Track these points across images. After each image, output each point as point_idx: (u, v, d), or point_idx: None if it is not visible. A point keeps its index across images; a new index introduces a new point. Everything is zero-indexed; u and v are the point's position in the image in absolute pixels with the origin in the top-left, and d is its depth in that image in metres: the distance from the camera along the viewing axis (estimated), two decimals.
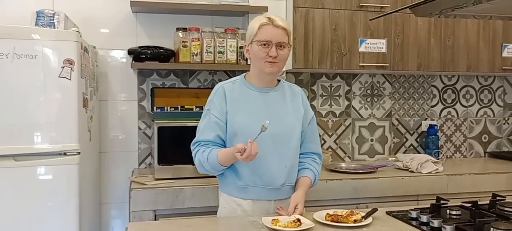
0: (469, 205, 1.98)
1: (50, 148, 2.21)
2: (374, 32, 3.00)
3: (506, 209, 1.96)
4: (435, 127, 3.43)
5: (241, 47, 2.84)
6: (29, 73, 2.16)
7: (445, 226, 1.68)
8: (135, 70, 2.98)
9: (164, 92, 2.98)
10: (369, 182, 2.71)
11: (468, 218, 1.85)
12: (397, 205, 2.53)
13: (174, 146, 2.61)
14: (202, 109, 2.03)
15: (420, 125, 3.50)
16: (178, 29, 2.83)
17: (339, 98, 3.35)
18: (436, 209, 1.95)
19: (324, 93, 3.32)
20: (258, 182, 1.95)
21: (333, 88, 3.33)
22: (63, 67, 2.20)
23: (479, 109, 3.64)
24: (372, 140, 3.43)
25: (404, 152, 3.44)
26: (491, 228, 1.65)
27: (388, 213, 1.95)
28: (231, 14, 3.02)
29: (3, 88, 2.15)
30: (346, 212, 1.82)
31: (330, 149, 3.32)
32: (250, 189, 1.95)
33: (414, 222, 1.81)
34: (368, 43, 2.99)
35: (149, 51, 2.77)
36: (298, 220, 1.73)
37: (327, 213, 1.83)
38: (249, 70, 2.05)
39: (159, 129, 2.59)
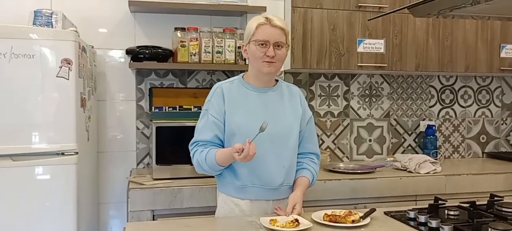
0: (467, 205, 1.98)
1: (48, 147, 2.21)
2: (372, 32, 3.00)
3: (504, 209, 1.96)
4: (433, 127, 3.44)
5: (239, 47, 2.84)
6: (27, 72, 2.16)
7: (443, 226, 1.68)
8: (133, 70, 2.97)
9: (162, 92, 2.98)
10: (367, 182, 2.71)
11: (466, 219, 1.85)
12: (395, 205, 2.53)
13: (172, 146, 2.60)
14: (200, 109, 2.03)
15: (418, 125, 3.50)
16: (176, 29, 2.83)
17: (338, 98, 3.35)
18: (434, 209, 1.95)
19: (322, 94, 3.32)
20: (256, 182, 1.95)
21: (331, 88, 3.33)
22: (61, 67, 2.20)
23: (477, 109, 3.65)
24: (370, 140, 3.43)
25: (402, 152, 3.44)
26: (489, 229, 1.65)
27: (386, 213, 1.95)
28: (229, 14, 3.02)
29: (1, 88, 2.14)
30: (344, 212, 1.82)
31: (328, 149, 3.32)
32: (248, 189, 1.95)
33: (412, 223, 1.81)
34: (366, 44, 2.99)
35: (147, 51, 2.77)
36: (296, 220, 1.73)
37: (325, 213, 1.83)
38: (247, 70, 2.05)
39: (157, 128, 2.59)
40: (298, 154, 2.05)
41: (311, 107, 3.13)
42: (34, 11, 2.42)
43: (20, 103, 2.17)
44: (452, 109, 3.59)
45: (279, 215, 1.85)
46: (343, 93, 3.36)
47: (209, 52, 2.82)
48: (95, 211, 2.89)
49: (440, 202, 2.00)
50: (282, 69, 2.97)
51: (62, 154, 2.22)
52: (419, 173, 2.84)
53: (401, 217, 1.89)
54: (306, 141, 2.08)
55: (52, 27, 2.39)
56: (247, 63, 2.05)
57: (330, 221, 1.78)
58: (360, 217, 1.80)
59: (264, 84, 2.00)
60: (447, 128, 3.58)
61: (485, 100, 3.66)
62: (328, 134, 3.34)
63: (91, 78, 2.68)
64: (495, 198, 2.06)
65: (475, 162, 3.47)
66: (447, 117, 3.58)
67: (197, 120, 2.01)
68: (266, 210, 1.96)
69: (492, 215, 1.90)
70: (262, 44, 1.90)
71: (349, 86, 3.36)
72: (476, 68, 3.21)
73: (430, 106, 3.54)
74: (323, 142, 3.32)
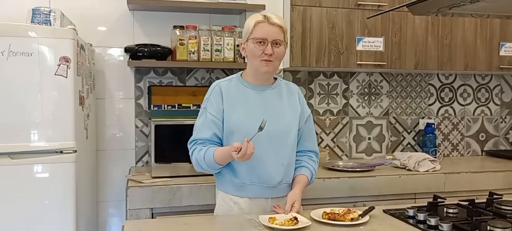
0: (466, 203, 1.98)
1: (47, 145, 2.20)
2: (371, 30, 3.00)
3: (503, 207, 1.96)
4: (433, 126, 3.44)
5: (238, 45, 2.84)
6: (25, 71, 2.15)
7: (442, 224, 1.68)
8: (132, 68, 2.97)
9: (161, 90, 2.98)
10: (367, 180, 2.71)
11: (465, 217, 1.85)
12: (394, 203, 2.52)
13: (171, 144, 2.60)
14: (199, 107, 2.03)
15: (418, 123, 3.50)
16: (175, 27, 2.83)
17: (337, 96, 3.35)
18: (433, 207, 1.95)
19: (321, 92, 3.31)
20: (255, 180, 1.94)
21: (330, 86, 3.33)
22: (59, 65, 2.19)
23: (477, 108, 3.65)
24: (369, 138, 3.43)
25: (402, 151, 3.44)
26: (488, 227, 1.65)
27: (385, 211, 1.95)
28: (228, 12, 3.01)
29: None
30: (343, 210, 1.82)
31: (327, 147, 3.32)
32: (247, 187, 1.95)
33: (411, 221, 1.81)
34: (365, 42, 2.99)
35: (146, 49, 2.76)
36: (295, 218, 1.73)
37: (324, 211, 1.82)
38: (246, 69, 2.05)
39: (156, 127, 2.59)
40: (297, 152, 2.05)
41: (310, 105, 3.13)
42: (32, 9, 2.41)
43: (19, 101, 2.17)
44: (451, 107, 3.59)
45: (278, 213, 1.85)
46: (342, 91, 3.35)
47: (208, 50, 2.82)
48: (94, 209, 2.89)
49: (439, 200, 2.00)
50: (281, 67, 2.97)
51: (61, 152, 2.22)
52: (418, 171, 2.84)
53: (400, 215, 1.89)
54: (305, 139, 2.07)
55: (50, 25, 2.38)
56: (246, 61, 2.05)
57: (329, 219, 1.78)
58: (359, 215, 1.80)
59: (263, 83, 2.00)
60: (446, 126, 3.58)
61: (484, 99, 3.66)
62: (327, 132, 3.34)
63: (90, 76, 2.68)
64: (494, 196, 2.06)
65: (474, 160, 3.47)
66: (446, 115, 3.58)
67: (196, 118, 2.01)
68: (265, 208, 1.96)
69: (491, 213, 1.90)
70: (260, 42, 1.90)
71: (348, 84, 3.36)
72: (475, 67, 3.20)
73: (429, 105, 3.53)
74: (322, 140, 3.32)
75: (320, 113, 3.32)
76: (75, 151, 2.24)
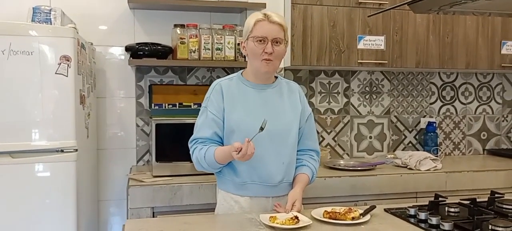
0: (468, 202, 1.97)
1: (47, 144, 2.20)
2: (372, 29, 2.99)
3: (504, 206, 1.95)
4: (434, 124, 3.43)
5: (239, 44, 2.83)
6: (25, 69, 2.15)
7: (443, 223, 1.68)
8: (133, 67, 2.97)
9: (162, 89, 2.98)
10: (368, 179, 2.71)
11: (466, 215, 1.85)
12: (395, 202, 2.51)
13: (172, 143, 2.60)
14: (200, 106, 2.02)
15: (419, 122, 3.49)
16: (176, 25, 2.82)
17: (338, 95, 3.34)
18: (435, 206, 1.95)
19: (322, 90, 3.31)
20: (255, 179, 1.94)
21: (331, 85, 3.32)
22: (59, 64, 2.19)
23: (478, 106, 3.64)
24: (370, 137, 3.42)
25: (403, 149, 3.44)
26: (490, 226, 1.64)
27: (386, 210, 1.95)
28: (229, 11, 3.01)
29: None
30: (344, 209, 1.82)
31: (328, 146, 3.32)
32: (248, 186, 1.95)
33: (412, 220, 1.81)
34: (366, 40, 2.98)
35: (147, 48, 2.76)
36: (296, 217, 1.72)
37: (325, 210, 1.82)
38: (246, 67, 2.04)
39: (157, 126, 2.58)
40: (297, 151, 2.04)
41: (311, 104, 3.13)
42: (33, 8, 2.41)
43: (19, 100, 2.16)
44: (453, 106, 3.58)
45: (278, 212, 1.85)
46: (344, 90, 3.35)
47: (208, 49, 2.82)
48: (95, 208, 2.89)
49: (440, 199, 2.00)
50: (282, 66, 2.97)
51: (62, 151, 2.22)
52: (419, 170, 2.83)
53: (401, 214, 1.88)
54: (306, 138, 2.07)
55: (51, 24, 2.38)
56: (246, 60, 2.04)
57: (330, 218, 1.77)
58: (360, 214, 1.80)
59: (263, 81, 1.99)
60: (447, 125, 3.57)
61: (486, 97, 3.65)
62: (329, 131, 3.33)
63: (91, 75, 2.68)
64: (496, 195, 2.06)
65: (476, 159, 3.47)
66: (447, 113, 3.57)
67: (197, 117, 2.00)
68: (265, 207, 1.96)
69: (493, 212, 1.89)
70: (260, 41, 1.89)
71: (349, 83, 3.35)
72: (477, 65, 3.20)
73: (431, 103, 3.53)
74: (324, 139, 3.31)
75: (321, 112, 3.31)
76: (76, 150, 2.24)
